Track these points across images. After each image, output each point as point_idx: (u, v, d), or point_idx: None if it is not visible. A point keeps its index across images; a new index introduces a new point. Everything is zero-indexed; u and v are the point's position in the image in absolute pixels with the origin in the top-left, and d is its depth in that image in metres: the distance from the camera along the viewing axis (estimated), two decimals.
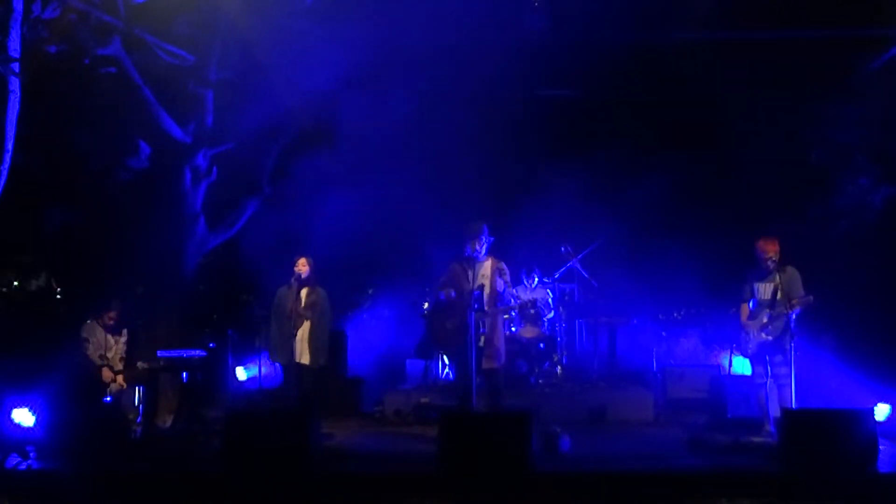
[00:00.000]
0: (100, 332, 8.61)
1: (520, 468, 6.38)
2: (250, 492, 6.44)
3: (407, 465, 7.09)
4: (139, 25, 8.91)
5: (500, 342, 7.70)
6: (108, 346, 8.61)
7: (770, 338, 7.70)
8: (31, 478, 6.87)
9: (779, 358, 7.73)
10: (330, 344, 8.61)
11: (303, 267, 8.26)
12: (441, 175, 11.00)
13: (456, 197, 10.71)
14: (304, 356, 8.23)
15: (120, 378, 8.52)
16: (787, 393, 7.69)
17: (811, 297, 7.52)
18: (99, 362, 8.51)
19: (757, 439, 7.56)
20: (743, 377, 8.71)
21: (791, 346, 7.58)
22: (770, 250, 7.69)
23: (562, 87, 11.75)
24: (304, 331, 8.23)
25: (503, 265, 7.74)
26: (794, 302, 7.48)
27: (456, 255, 7.76)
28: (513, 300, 7.94)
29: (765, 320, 7.70)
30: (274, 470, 6.52)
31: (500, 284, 7.64)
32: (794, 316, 7.49)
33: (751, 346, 7.84)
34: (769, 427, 7.72)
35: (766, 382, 7.83)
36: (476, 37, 9.86)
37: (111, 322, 8.67)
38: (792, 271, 7.71)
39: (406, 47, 9.46)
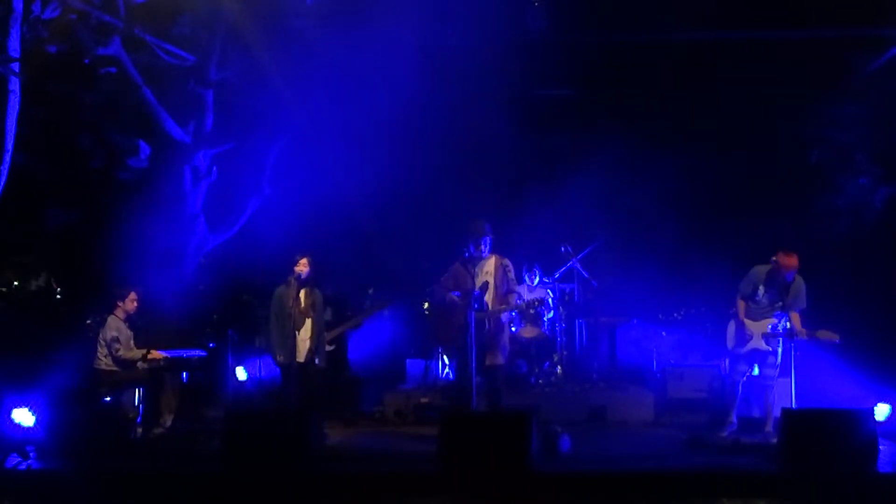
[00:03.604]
0: (123, 325, 8.43)
1: (520, 468, 6.38)
2: (250, 491, 6.44)
3: (407, 465, 7.09)
4: (139, 25, 8.90)
5: (504, 339, 7.69)
6: (130, 338, 8.49)
7: (770, 348, 7.73)
8: (31, 478, 6.87)
9: (771, 360, 7.73)
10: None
11: (303, 267, 8.25)
12: (441, 175, 11.00)
13: (456, 196, 10.71)
14: (307, 356, 8.23)
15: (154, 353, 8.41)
16: (772, 394, 7.71)
17: (837, 336, 7.49)
18: (133, 355, 8.33)
19: (722, 434, 7.68)
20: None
21: (779, 349, 7.64)
22: (792, 265, 7.59)
23: (561, 87, 11.75)
24: (306, 330, 8.23)
25: (508, 262, 7.74)
26: (817, 333, 7.49)
27: (459, 254, 7.75)
28: (517, 299, 7.93)
29: (768, 329, 7.70)
30: (274, 470, 6.52)
31: (504, 282, 7.64)
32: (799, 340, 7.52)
33: (747, 346, 7.80)
34: (732, 418, 7.79)
35: (741, 381, 7.88)
36: (475, 36, 9.85)
37: (133, 306, 8.49)
38: (800, 281, 7.69)
39: (405, 47, 9.45)
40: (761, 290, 7.76)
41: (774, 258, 7.65)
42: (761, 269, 7.82)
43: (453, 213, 9.37)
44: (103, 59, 8.95)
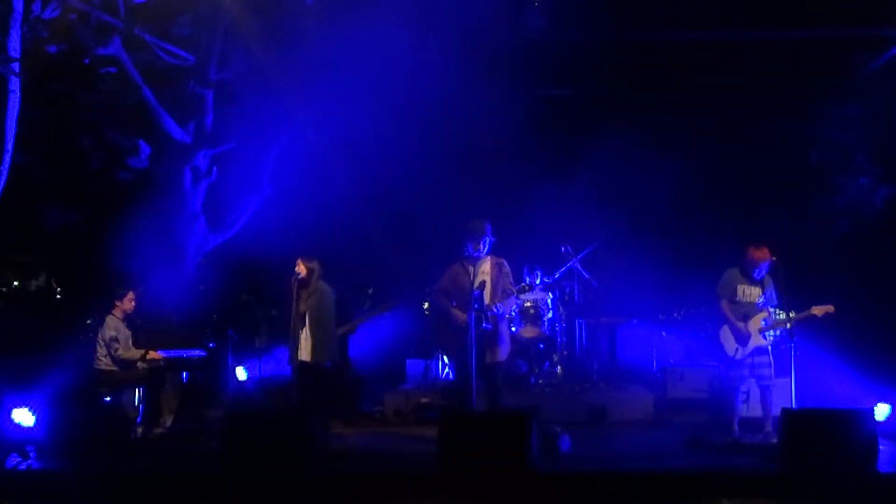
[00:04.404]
0: (122, 325, 8.43)
1: (520, 468, 6.38)
2: (250, 492, 6.44)
3: (407, 465, 7.09)
4: (139, 25, 8.91)
5: (503, 336, 7.68)
6: (129, 338, 8.49)
7: (767, 343, 7.70)
8: (31, 478, 6.88)
9: (765, 359, 7.69)
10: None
11: (298, 267, 8.26)
12: (441, 175, 10.99)
13: (456, 196, 10.71)
14: (308, 355, 8.25)
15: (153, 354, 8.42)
16: (772, 394, 7.68)
17: (832, 307, 7.48)
18: (131, 355, 8.34)
19: (723, 440, 7.59)
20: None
21: (769, 347, 7.62)
22: (765, 258, 7.59)
23: (561, 87, 11.75)
24: (308, 329, 8.26)
25: (503, 261, 7.72)
26: (812, 310, 7.47)
27: (457, 254, 7.75)
28: (514, 303, 7.91)
29: (761, 325, 7.66)
30: (274, 470, 6.52)
31: (500, 280, 7.62)
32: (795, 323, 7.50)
33: (748, 345, 7.67)
34: (734, 427, 7.69)
35: (742, 387, 7.80)
36: (475, 36, 9.86)
37: (131, 305, 8.50)
38: (769, 277, 7.70)
39: (405, 47, 9.45)
40: (742, 289, 7.73)
41: (746, 252, 7.65)
42: (734, 270, 7.81)
43: (453, 212, 9.35)
44: (103, 59, 8.96)
